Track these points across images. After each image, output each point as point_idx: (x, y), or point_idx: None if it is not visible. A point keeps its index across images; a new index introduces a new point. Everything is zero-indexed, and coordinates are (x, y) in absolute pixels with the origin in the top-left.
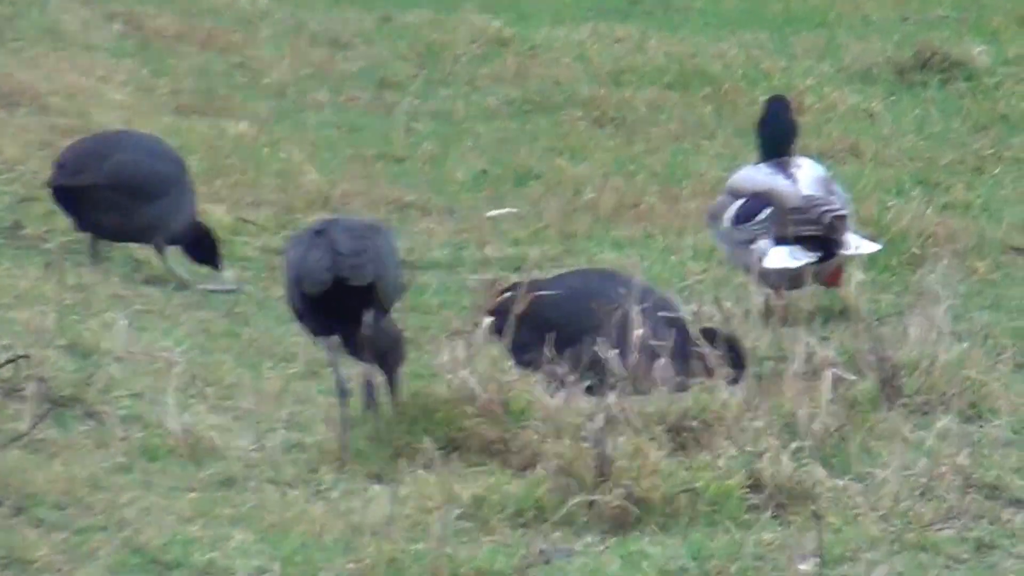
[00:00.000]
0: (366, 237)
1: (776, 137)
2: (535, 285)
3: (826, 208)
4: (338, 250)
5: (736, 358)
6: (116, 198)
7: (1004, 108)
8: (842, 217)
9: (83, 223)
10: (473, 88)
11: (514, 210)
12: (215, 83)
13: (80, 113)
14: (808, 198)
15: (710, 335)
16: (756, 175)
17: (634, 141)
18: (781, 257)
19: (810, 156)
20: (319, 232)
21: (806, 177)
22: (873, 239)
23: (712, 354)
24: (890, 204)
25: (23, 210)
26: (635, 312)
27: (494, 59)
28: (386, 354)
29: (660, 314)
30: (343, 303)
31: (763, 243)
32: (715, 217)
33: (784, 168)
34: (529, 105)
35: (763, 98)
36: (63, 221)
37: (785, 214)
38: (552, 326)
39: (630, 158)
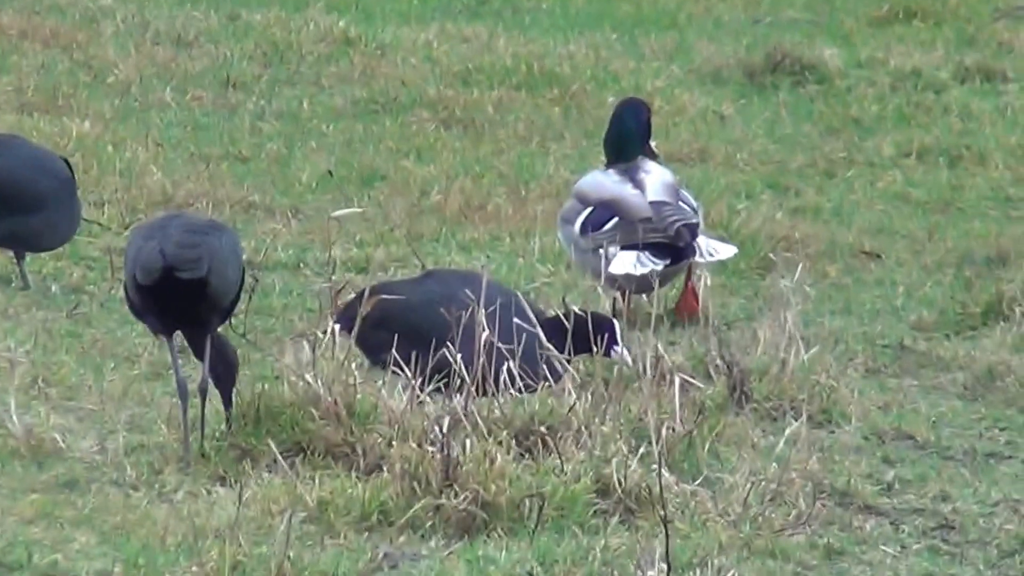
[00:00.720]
0: (203, 233)
1: (623, 141)
2: (385, 287)
3: (674, 217)
4: (171, 241)
5: (609, 333)
6: None
7: (856, 111)
8: (690, 225)
9: None
10: (319, 88)
11: (359, 210)
12: (58, 81)
13: None
14: (656, 207)
15: (581, 317)
16: (604, 182)
17: (481, 142)
18: (628, 262)
19: (657, 159)
20: (157, 227)
21: (654, 184)
22: (726, 242)
23: (561, 359)
24: (740, 208)
25: None
26: (482, 315)
27: (340, 59)
28: (219, 373)
29: (509, 316)
30: (177, 298)
31: (610, 248)
32: (566, 222)
33: (632, 175)
34: (376, 105)
35: (612, 99)
36: None
37: (633, 223)
38: (401, 327)
39: (477, 159)
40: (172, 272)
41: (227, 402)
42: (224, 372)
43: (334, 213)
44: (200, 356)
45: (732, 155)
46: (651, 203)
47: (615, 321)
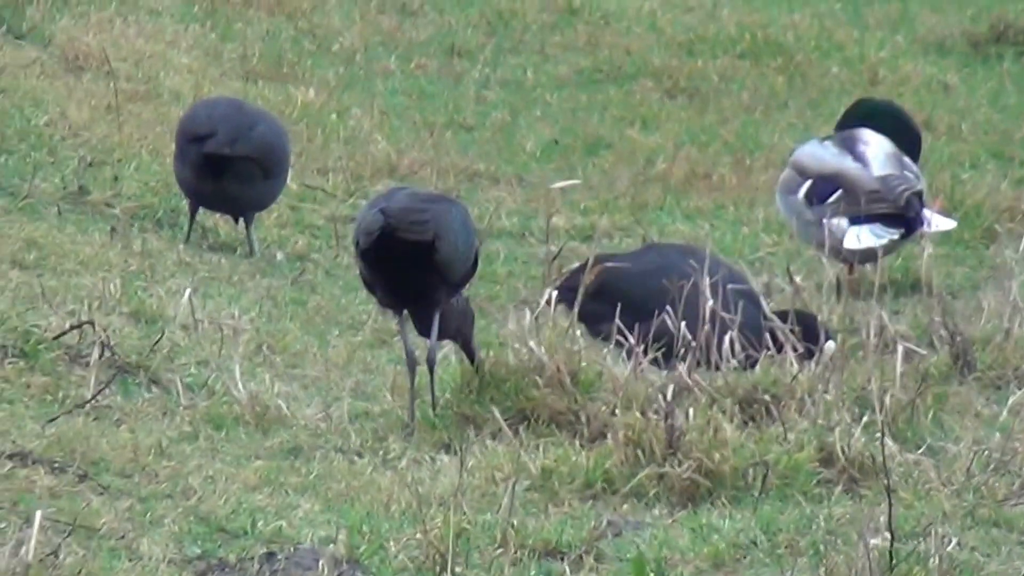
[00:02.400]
0: (431, 201)
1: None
2: (606, 258)
3: (903, 187)
4: (393, 204)
5: (809, 334)
6: (253, 170)
7: None
8: (919, 193)
9: (207, 194)
10: (544, 57)
11: (579, 182)
12: (283, 49)
13: (147, 78)
14: (884, 179)
15: (783, 316)
16: (823, 154)
17: (706, 111)
18: (864, 237)
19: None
20: (383, 196)
21: (876, 156)
22: (947, 214)
23: (783, 328)
24: (964, 177)
25: (89, 175)
26: (706, 284)
27: (565, 28)
28: (459, 327)
29: (731, 287)
30: (402, 264)
31: (838, 221)
32: (785, 193)
33: (850, 146)
34: (600, 74)
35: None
36: (129, 186)
37: (860, 196)
38: (623, 298)
39: (701, 128)
40: (394, 233)
41: (471, 355)
42: (464, 325)
43: (555, 184)
44: (426, 332)
45: (956, 125)
46: (878, 178)
47: (815, 316)
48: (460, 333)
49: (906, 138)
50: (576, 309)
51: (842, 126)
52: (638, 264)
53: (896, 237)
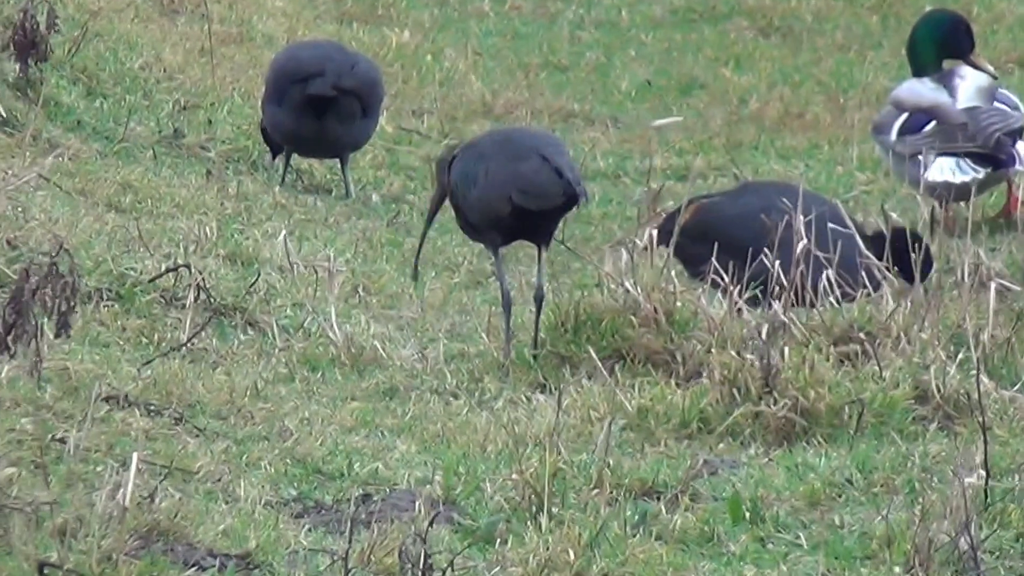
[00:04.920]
0: (563, 150)
1: (913, 53)
2: (703, 197)
3: (994, 126)
4: (564, 170)
5: (923, 259)
6: (354, 108)
7: None
8: (1012, 131)
9: (307, 135)
10: None
11: (679, 119)
12: None
13: (241, 21)
14: (972, 113)
15: (879, 240)
16: (920, 89)
17: (800, 51)
18: (947, 170)
19: (985, 71)
20: (523, 146)
21: (966, 90)
22: None
23: (880, 266)
24: None
25: (184, 118)
26: (800, 223)
27: None
28: None
29: (827, 226)
30: (544, 220)
31: (929, 156)
32: (880, 129)
33: (947, 82)
34: (694, 14)
35: (929, 8)
36: (223, 130)
37: (951, 129)
38: (720, 237)
39: (795, 68)
40: (573, 199)
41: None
42: None
43: (655, 123)
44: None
45: None
46: (967, 111)
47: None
48: None
49: (956, 33)
50: (672, 249)
51: (911, 47)
52: (734, 203)
53: (980, 175)
